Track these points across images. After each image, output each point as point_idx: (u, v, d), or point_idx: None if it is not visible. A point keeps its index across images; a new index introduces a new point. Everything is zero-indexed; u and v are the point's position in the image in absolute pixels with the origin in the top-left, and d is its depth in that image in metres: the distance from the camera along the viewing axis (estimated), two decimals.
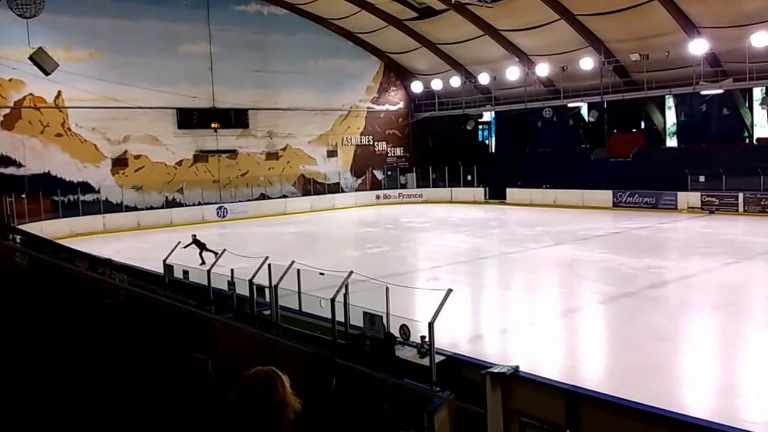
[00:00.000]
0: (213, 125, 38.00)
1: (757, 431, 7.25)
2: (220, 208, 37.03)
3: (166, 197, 36.54)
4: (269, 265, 11.39)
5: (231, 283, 12.68)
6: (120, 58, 34.35)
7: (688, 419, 7.14)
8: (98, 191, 34.11)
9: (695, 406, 9.27)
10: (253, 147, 40.27)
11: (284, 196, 40.95)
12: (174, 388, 3.08)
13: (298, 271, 11.46)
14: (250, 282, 11.54)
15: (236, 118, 38.82)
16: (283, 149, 41.66)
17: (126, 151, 35.64)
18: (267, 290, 11.23)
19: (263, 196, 40.27)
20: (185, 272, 14.56)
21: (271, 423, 2.71)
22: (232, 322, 8.11)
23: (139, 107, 35.31)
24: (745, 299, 16.20)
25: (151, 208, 35.49)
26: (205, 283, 13.23)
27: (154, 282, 14.39)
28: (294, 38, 40.97)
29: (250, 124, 39.64)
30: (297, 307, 11.63)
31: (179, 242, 16.55)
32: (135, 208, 34.96)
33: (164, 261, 15.09)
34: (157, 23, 35.67)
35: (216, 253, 17.05)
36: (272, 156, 41.11)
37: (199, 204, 37.23)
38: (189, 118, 37.13)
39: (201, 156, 38.11)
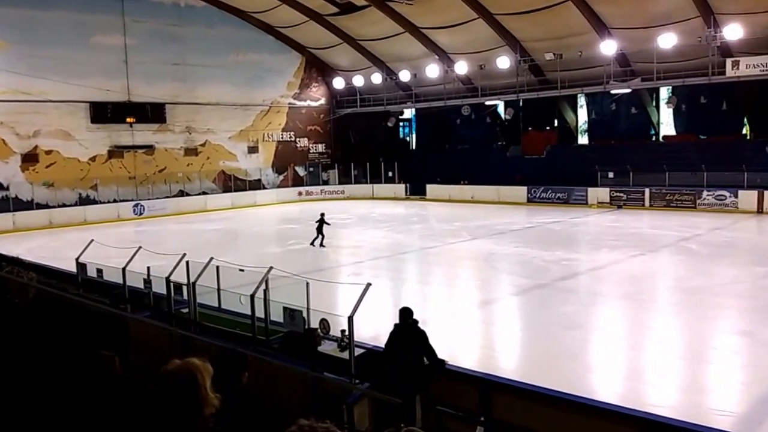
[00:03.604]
0: (128, 120, 36.81)
1: (661, 413, 7.71)
2: (136, 205, 35.95)
3: (80, 194, 35.22)
4: (187, 263, 11.21)
5: (147, 281, 12.41)
6: (29, 49, 32.76)
7: (596, 404, 7.49)
8: (7, 188, 32.61)
9: (604, 391, 9.74)
10: (171, 142, 39.27)
11: (204, 193, 40.18)
12: (76, 386, 3.03)
13: (218, 267, 11.34)
14: (167, 280, 11.33)
15: (153, 113, 37.72)
16: (203, 145, 40.82)
17: (36, 147, 34.08)
18: (185, 288, 11.05)
19: (182, 193, 39.36)
20: (99, 271, 14.13)
21: (192, 418, 2.65)
22: (147, 320, 7.99)
23: (50, 101, 33.84)
24: (650, 289, 17.09)
25: (64, 205, 34.18)
26: (120, 281, 12.88)
27: (67, 281, 13.91)
28: (213, 31, 40.18)
29: (167, 118, 38.62)
30: (216, 305, 11.52)
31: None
32: (47, 206, 33.56)
33: (77, 259, 14.58)
34: (69, 13, 34.20)
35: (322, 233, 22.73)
36: (191, 152, 40.20)
37: (115, 201, 36.03)
38: (103, 113, 35.81)
39: (116, 152, 36.86)
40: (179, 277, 11.30)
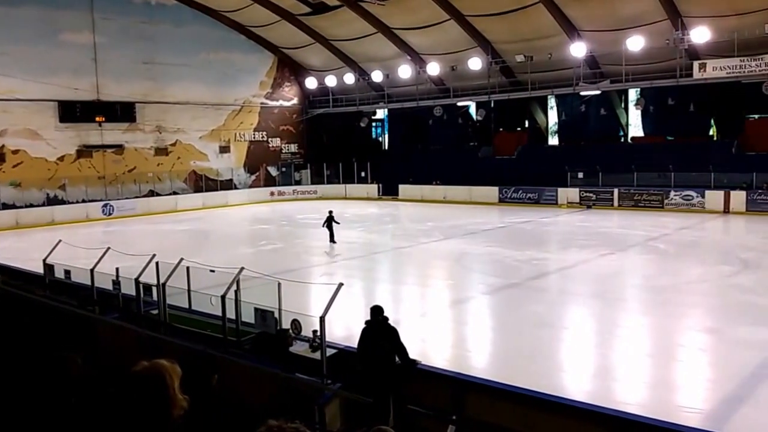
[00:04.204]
0: (97, 119, 36.27)
1: (630, 411, 7.81)
2: (105, 205, 35.41)
3: (48, 194, 34.60)
4: (157, 263, 11.07)
5: (116, 283, 12.23)
6: None
7: (566, 402, 7.57)
8: None
9: (573, 388, 9.85)
10: (141, 142, 38.78)
11: (174, 193, 39.74)
12: (31, 387, 2.96)
13: (188, 268, 11.22)
14: (136, 281, 11.18)
15: (122, 112, 37.24)
16: (173, 144, 40.38)
17: (3, 146, 33.48)
18: (154, 289, 10.91)
19: (152, 193, 38.89)
20: (67, 272, 13.90)
21: (160, 419, 2.62)
22: (116, 321, 7.87)
23: (17, 99, 33.22)
24: (619, 287, 17.33)
25: (31, 205, 33.57)
26: (89, 282, 12.68)
27: (34, 282, 13.67)
28: (184, 30, 39.77)
29: (137, 118, 38.15)
30: (187, 306, 11.40)
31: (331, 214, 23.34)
32: (13, 206, 32.96)
33: (44, 260, 14.33)
34: (37, 10, 33.58)
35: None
36: (161, 151, 39.75)
37: (84, 201, 35.47)
38: (71, 112, 35.22)
39: (85, 151, 36.31)
40: (149, 278, 11.15)
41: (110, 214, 35.14)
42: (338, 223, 24.23)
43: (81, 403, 2.95)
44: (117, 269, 12.35)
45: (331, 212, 24.43)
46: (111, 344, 7.57)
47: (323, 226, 24.21)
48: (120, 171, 37.76)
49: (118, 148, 37.72)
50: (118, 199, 36.52)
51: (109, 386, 3.26)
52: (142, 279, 11.23)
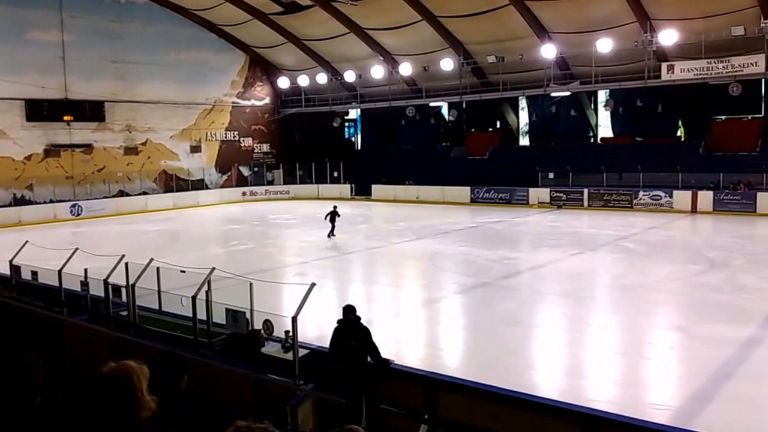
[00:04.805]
0: (66, 118, 35.65)
1: (600, 408, 7.89)
2: (74, 205, 34.81)
3: (14, 195, 33.94)
4: (126, 264, 10.89)
5: (84, 284, 12.01)
6: None
7: (538, 400, 7.62)
8: None
9: (545, 386, 9.95)
10: (110, 141, 38.22)
11: (144, 193, 39.24)
12: None
13: (158, 269, 11.06)
14: (105, 282, 10.99)
15: (91, 111, 36.66)
16: (143, 144, 39.88)
17: None
18: (124, 290, 10.74)
19: (122, 193, 38.35)
20: (34, 273, 13.62)
21: (127, 420, 2.61)
22: (84, 323, 7.73)
23: None
24: (589, 286, 17.55)
25: None
26: (57, 283, 12.44)
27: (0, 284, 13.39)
28: (154, 28, 39.31)
29: (106, 117, 37.60)
30: (157, 307, 11.25)
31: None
32: None
33: (10, 261, 14.03)
34: (4, 7, 32.95)
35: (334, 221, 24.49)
36: (131, 151, 39.21)
37: (51, 202, 34.83)
38: (39, 110, 34.57)
39: (53, 150, 35.65)
40: (118, 279, 10.97)
41: (79, 215, 34.56)
42: (339, 215, 25.12)
43: (45, 405, 2.90)
44: (85, 270, 12.13)
45: (335, 207, 25.35)
46: (79, 346, 7.44)
47: (325, 218, 25.14)
48: (89, 171, 37.17)
49: (87, 148, 37.13)
50: (87, 200, 35.93)
51: (77, 388, 3.21)
52: (111, 280, 11.03)
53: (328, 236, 24.79)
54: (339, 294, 16.73)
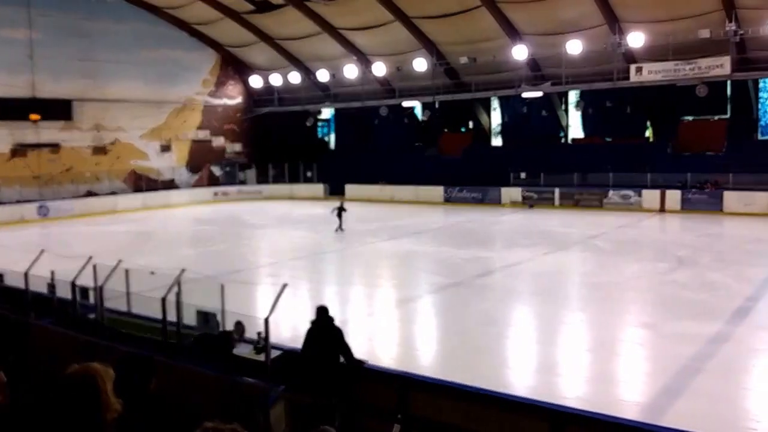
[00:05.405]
0: (33, 117, 34.99)
1: (571, 405, 7.96)
2: (41, 206, 34.16)
3: None
4: (94, 266, 10.72)
5: (51, 286, 11.78)
6: None
7: (510, 397, 7.68)
8: None
9: (517, 384, 10.05)
10: (79, 141, 37.62)
11: (113, 193, 38.67)
12: None
13: (127, 270, 10.89)
14: (73, 283, 10.80)
15: (59, 110, 36.11)
16: (112, 143, 39.31)
17: None
18: (92, 292, 10.56)
19: (90, 194, 37.75)
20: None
21: (92, 423, 2.57)
22: (51, 326, 7.59)
23: None
24: (560, 285, 17.72)
25: None
26: (23, 286, 12.18)
27: None
28: (124, 26, 38.75)
29: (74, 116, 37.01)
30: (126, 309, 11.08)
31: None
32: None
33: None
34: None
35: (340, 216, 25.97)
36: (100, 150, 38.63)
37: (18, 202, 34.14)
38: (5, 109, 33.87)
39: (19, 150, 35.00)
40: (86, 280, 10.79)
41: (46, 216, 33.94)
42: (345, 210, 26.55)
43: (8, 408, 2.85)
44: (52, 272, 11.90)
45: (342, 203, 26.91)
46: (46, 349, 7.30)
47: (332, 212, 26.56)
48: (56, 171, 36.54)
49: (55, 147, 36.50)
50: (55, 200, 35.28)
51: (40, 390, 3.15)
52: (78, 282, 10.85)
53: (336, 231, 26.17)
54: (313, 295, 16.66)
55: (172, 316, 9.44)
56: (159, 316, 9.41)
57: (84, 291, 10.73)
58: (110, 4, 38.23)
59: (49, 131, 36.17)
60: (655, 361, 11.27)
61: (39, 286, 12.11)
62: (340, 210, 26.29)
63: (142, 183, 40.32)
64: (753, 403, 9.47)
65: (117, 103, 38.99)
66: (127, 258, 11.16)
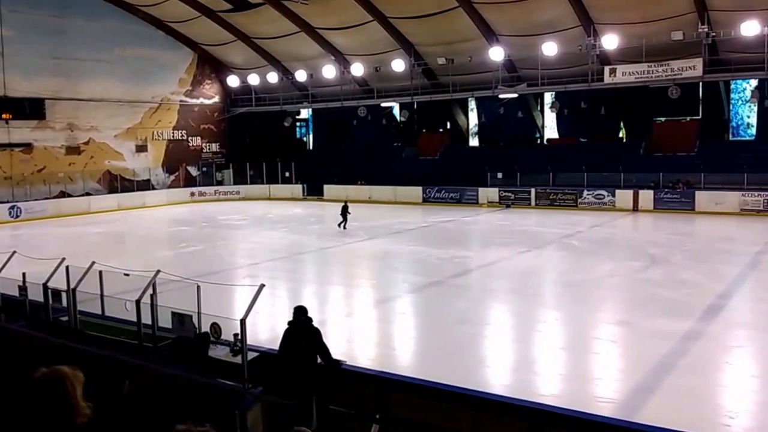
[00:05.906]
0: (4, 116, 34.41)
1: (547, 402, 8.03)
2: (12, 207, 33.60)
3: None
4: (67, 268, 10.56)
5: (23, 288, 11.59)
6: None
7: (487, 396, 7.72)
8: None
9: (495, 382, 10.11)
10: (51, 140, 37.07)
11: (87, 194, 38.13)
12: None
13: (100, 273, 10.75)
14: (44, 286, 10.63)
15: (31, 109, 35.47)
16: (86, 143, 38.79)
17: None
18: (64, 295, 10.40)
19: (63, 194, 37.18)
20: None
21: (61, 427, 2.53)
22: (22, 329, 7.47)
23: None
24: (537, 283, 17.87)
25: None
26: None
27: None
28: (97, 24, 38.26)
29: (47, 115, 36.44)
30: (99, 312, 10.94)
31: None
32: None
33: None
34: None
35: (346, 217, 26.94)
36: (73, 150, 38.09)
37: None
38: None
39: None
40: (58, 283, 10.63)
41: (18, 217, 33.38)
42: (350, 213, 27.23)
43: None
44: (24, 274, 11.72)
45: (346, 203, 27.56)
46: (18, 353, 7.17)
47: (341, 213, 27.19)
48: (28, 171, 35.96)
49: (27, 147, 35.92)
50: (27, 201, 34.71)
51: (11, 395, 3.10)
52: (50, 284, 10.69)
53: (340, 226, 27.06)
54: (291, 295, 16.61)
55: (146, 319, 9.35)
56: (133, 318, 9.31)
57: (56, 294, 10.57)
58: (83, 2, 37.69)
59: (21, 131, 35.59)
60: (630, 359, 11.39)
61: (10, 289, 11.92)
62: (345, 210, 27.07)
63: (117, 183, 39.82)
64: (727, 399, 9.61)
65: (91, 102, 38.48)
66: (101, 260, 11.01)
